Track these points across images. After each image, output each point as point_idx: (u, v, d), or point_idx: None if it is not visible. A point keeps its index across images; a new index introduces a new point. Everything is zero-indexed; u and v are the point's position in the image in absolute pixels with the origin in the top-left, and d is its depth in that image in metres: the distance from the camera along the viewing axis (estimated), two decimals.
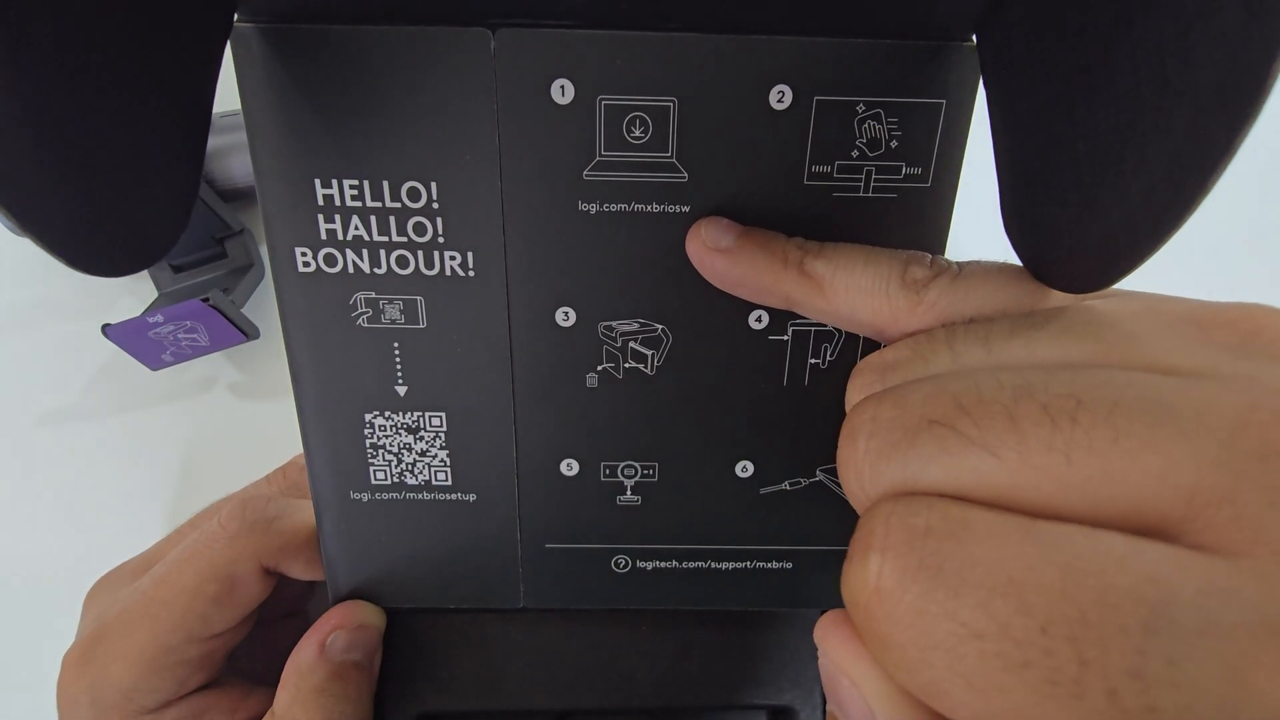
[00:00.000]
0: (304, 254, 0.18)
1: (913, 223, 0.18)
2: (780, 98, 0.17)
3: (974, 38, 0.16)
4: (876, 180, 0.17)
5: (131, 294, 0.30)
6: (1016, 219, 0.15)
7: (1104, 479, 0.10)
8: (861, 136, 0.17)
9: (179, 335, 0.28)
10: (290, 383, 0.30)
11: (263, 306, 0.30)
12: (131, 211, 0.13)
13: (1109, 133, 0.12)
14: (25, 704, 0.30)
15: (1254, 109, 0.09)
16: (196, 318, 0.28)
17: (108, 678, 0.21)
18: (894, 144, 0.17)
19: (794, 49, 0.16)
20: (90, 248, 0.12)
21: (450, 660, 0.22)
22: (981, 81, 0.16)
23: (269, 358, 0.30)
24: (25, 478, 0.30)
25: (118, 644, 0.21)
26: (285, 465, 0.26)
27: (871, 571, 0.11)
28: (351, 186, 0.17)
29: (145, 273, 0.29)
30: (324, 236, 0.18)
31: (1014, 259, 0.15)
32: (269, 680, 0.23)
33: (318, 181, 0.17)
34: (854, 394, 0.15)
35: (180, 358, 0.29)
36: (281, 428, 0.30)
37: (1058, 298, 0.14)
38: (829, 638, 0.13)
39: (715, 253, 0.17)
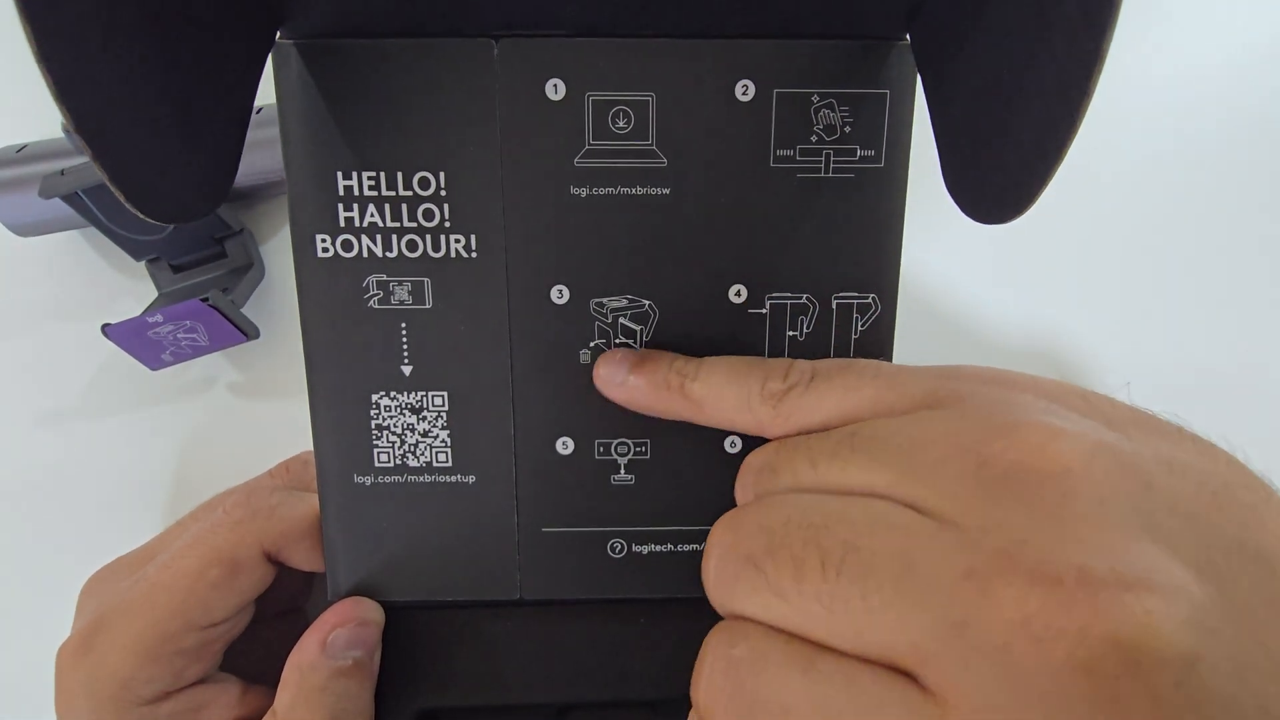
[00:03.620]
0: (323, 240, 0.21)
1: (871, 198, 0.21)
2: (744, 91, 0.20)
3: (907, 37, 0.20)
4: (835, 162, 0.21)
5: (131, 294, 0.31)
6: (955, 173, 0.18)
7: (856, 629, 0.14)
8: (818, 123, 0.20)
9: (179, 335, 0.30)
10: (289, 381, 0.32)
11: (263, 306, 0.31)
12: (186, 172, 0.17)
13: (1014, 71, 0.15)
14: (25, 703, 0.31)
15: (1111, 21, 0.12)
16: (196, 317, 0.29)
17: (105, 668, 0.21)
18: (848, 129, 0.20)
19: (754, 49, 0.20)
20: (153, 197, 0.16)
21: (449, 657, 0.23)
22: (918, 72, 0.20)
23: (269, 358, 0.32)
24: (25, 478, 0.31)
25: (117, 633, 0.22)
26: (288, 460, 0.27)
27: (700, 687, 0.15)
28: (369, 178, 0.20)
29: (145, 272, 0.31)
30: (342, 224, 0.21)
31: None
32: (265, 679, 0.24)
33: (339, 174, 0.20)
34: (737, 494, 0.19)
35: (180, 358, 0.30)
36: (281, 428, 0.32)
37: (890, 406, 0.17)
38: None
39: (615, 387, 0.21)
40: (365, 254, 0.21)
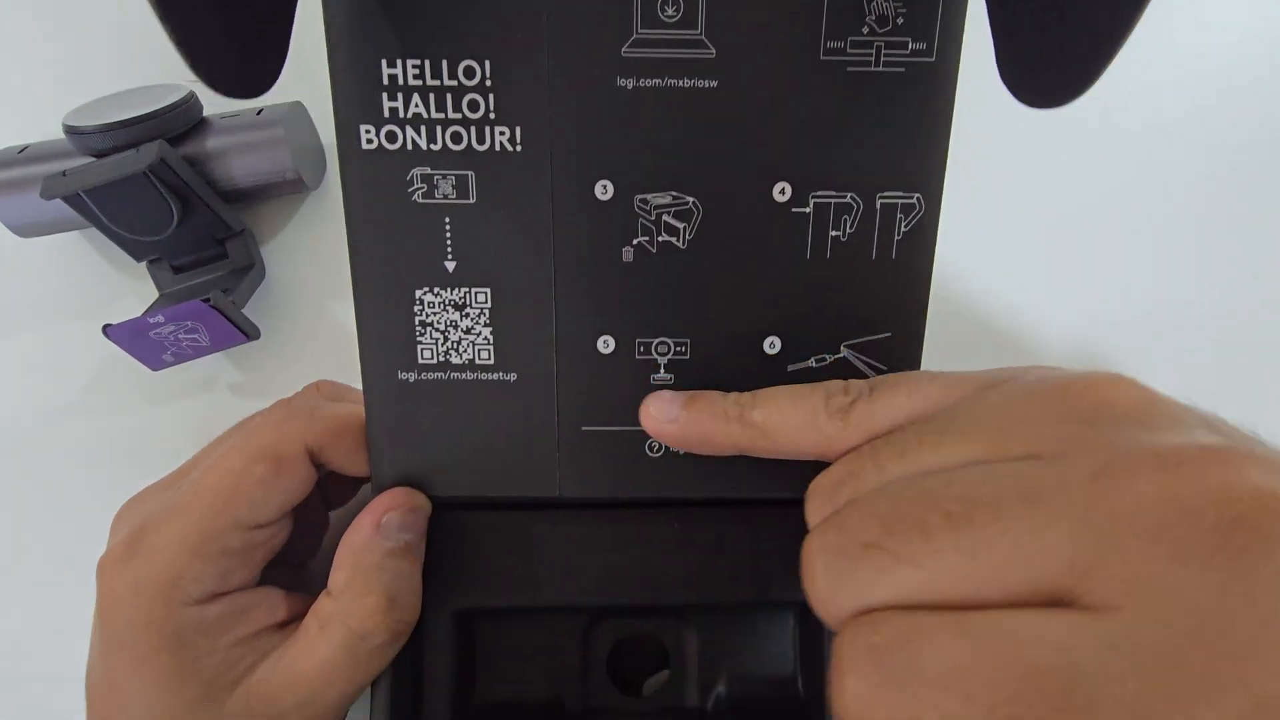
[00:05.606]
0: (368, 131, 0.21)
1: (920, 95, 0.21)
2: None
3: None
4: (886, 55, 0.20)
5: (132, 294, 0.32)
6: (1011, 59, 0.18)
7: (1004, 566, 0.14)
8: (870, 14, 0.20)
9: (180, 335, 0.30)
10: (290, 381, 0.31)
11: (263, 307, 0.32)
12: (249, 52, 0.18)
13: None
14: (28, 702, 0.31)
15: None
16: (197, 318, 0.29)
17: (154, 567, 0.22)
18: (900, 21, 0.20)
19: None
20: (212, 65, 0.16)
21: (485, 558, 0.24)
22: None
23: (269, 358, 0.32)
24: (25, 477, 0.31)
25: (164, 534, 0.22)
26: (318, 381, 0.27)
27: (847, 695, 0.14)
28: (414, 66, 0.20)
29: (146, 273, 0.31)
30: (386, 114, 0.20)
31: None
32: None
33: (384, 62, 0.20)
34: (809, 517, 0.19)
35: (181, 358, 0.30)
36: None
37: (954, 397, 0.18)
38: None
39: (667, 424, 0.21)
40: (410, 145, 0.20)
